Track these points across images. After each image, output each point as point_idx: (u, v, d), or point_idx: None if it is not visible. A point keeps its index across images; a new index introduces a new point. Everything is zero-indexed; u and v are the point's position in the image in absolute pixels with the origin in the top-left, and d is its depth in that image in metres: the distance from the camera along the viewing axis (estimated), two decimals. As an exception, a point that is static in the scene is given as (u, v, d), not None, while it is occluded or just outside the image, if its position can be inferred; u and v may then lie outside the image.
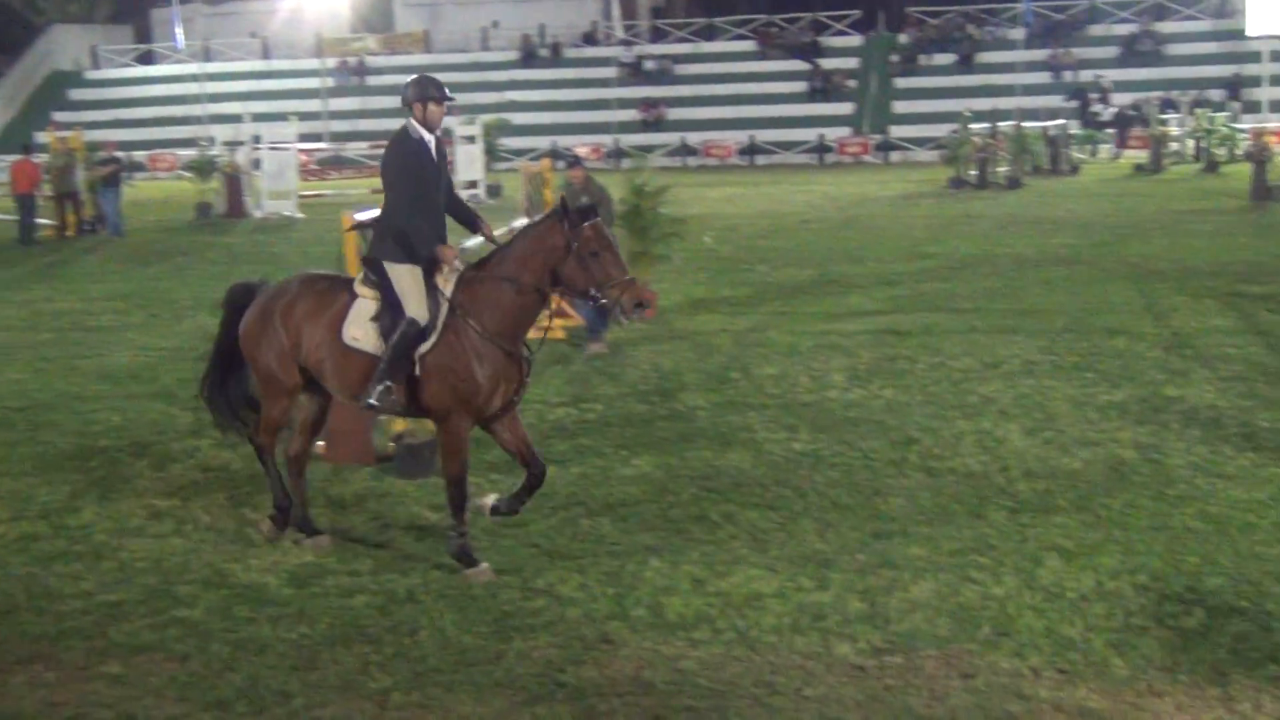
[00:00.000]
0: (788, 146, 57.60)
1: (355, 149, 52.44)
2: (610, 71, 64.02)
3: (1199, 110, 49.11)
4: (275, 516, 9.79)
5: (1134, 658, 7.46)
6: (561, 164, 17.32)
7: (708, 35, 67.53)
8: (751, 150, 57.89)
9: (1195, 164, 46.66)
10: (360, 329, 9.06)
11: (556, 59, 67.29)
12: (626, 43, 67.76)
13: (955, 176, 41.57)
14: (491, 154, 43.19)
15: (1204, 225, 29.01)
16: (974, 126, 42.77)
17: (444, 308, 8.89)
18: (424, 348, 8.87)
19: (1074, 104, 56.08)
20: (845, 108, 60.51)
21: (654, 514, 10.10)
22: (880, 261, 24.67)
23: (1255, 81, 54.18)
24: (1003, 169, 42.42)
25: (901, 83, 61.75)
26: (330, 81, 66.02)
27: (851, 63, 63.43)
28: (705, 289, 21.45)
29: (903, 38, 64.32)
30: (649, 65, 65.23)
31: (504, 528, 9.85)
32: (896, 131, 58.01)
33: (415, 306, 8.87)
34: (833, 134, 58.03)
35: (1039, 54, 61.01)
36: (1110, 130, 53.65)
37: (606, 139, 58.62)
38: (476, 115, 44.54)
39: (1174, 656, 7.43)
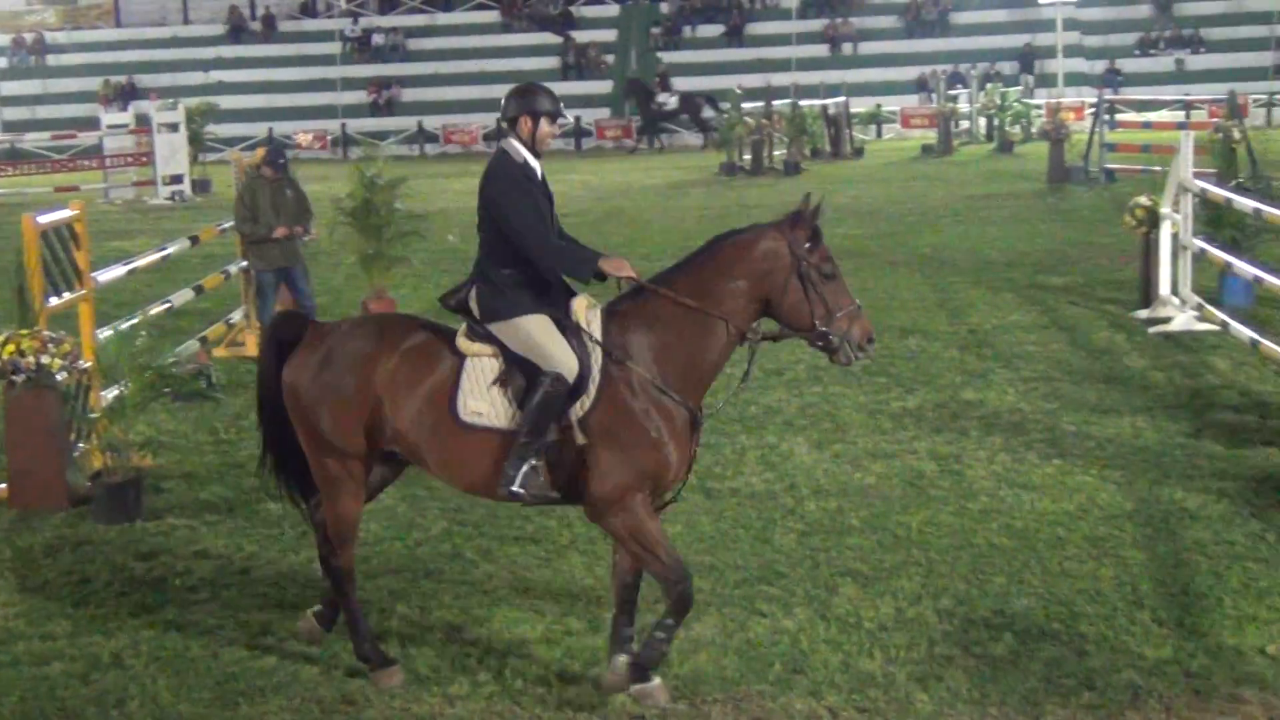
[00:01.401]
0: (539, 131, 57.82)
1: (35, 140, 50.88)
2: (333, 47, 63.29)
3: (990, 85, 50.74)
4: (377, 663, 8.12)
5: (939, 691, 7.66)
6: (281, 160, 17.06)
7: (444, 6, 67.29)
8: (499, 136, 57.87)
9: (987, 144, 48.18)
10: (482, 400, 7.73)
11: (270, 33, 66.29)
12: (351, 14, 67.13)
13: (727, 161, 42.13)
14: (197, 143, 42.34)
15: (999, 211, 29.98)
16: (746, 106, 43.43)
17: (596, 353, 7.67)
18: (578, 410, 7.63)
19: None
20: (603, 86, 60.92)
21: (399, 553, 10.02)
22: (648, 259, 24.78)
23: (1049, 53, 56.13)
24: (780, 152, 43.17)
25: (665, 57, 62.39)
26: (2, 62, 63.98)
27: (608, 35, 63.89)
28: (450, 294, 21.33)
29: (664, 7, 65.04)
30: (378, 40, 64.73)
31: (225, 575, 9.67)
32: (663, 112, 58.64)
33: (559, 355, 7.60)
34: (590, 116, 58.35)
35: (814, 25, 62.30)
36: (669, 124, 54.50)
37: (332, 124, 57.96)
38: (179, 99, 43.62)
39: (982, 687, 7.66)
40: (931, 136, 48.14)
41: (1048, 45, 56.14)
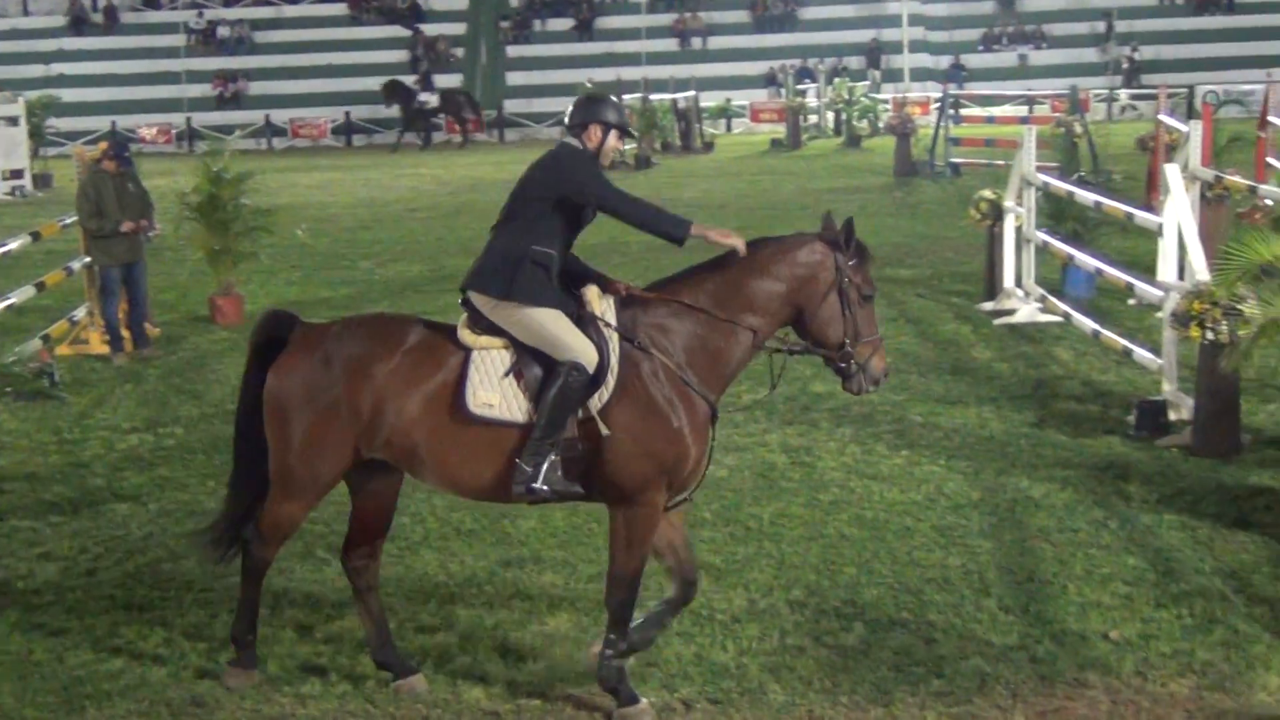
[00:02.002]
0: (389, 125, 57.34)
1: None
2: (177, 39, 62.40)
3: (838, 80, 51.27)
4: (241, 657, 8.00)
5: (791, 681, 7.74)
6: (125, 153, 16.80)
7: (291, -2, 66.66)
8: (347, 129, 57.43)
9: (836, 138, 48.63)
10: (493, 392, 7.44)
11: (112, 25, 65.15)
12: (196, 6, 66.17)
13: (577, 156, 42.10)
14: (38, 138, 41.54)
15: (847, 205, 30.22)
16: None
17: (614, 341, 7.48)
18: (597, 401, 7.40)
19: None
20: (452, 80, 60.66)
21: (249, 553, 9.90)
22: (499, 253, 24.82)
23: (895, 48, 56.82)
24: (630, 146, 43.26)
25: (514, 51, 62.30)
26: None
27: (458, 29, 63.62)
28: (299, 289, 21.17)
29: (514, 1, 64.91)
30: (223, 32, 63.91)
31: (70, 578, 9.50)
32: (511, 106, 58.48)
33: (576, 345, 7.37)
34: (440, 110, 58.09)
35: (664, 19, 62.53)
36: (440, 117, 54.60)
37: (177, 118, 57.14)
38: (18, 93, 42.71)
39: (834, 677, 7.74)
40: (780, 131, 48.49)
41: (894, 41, 56.81)
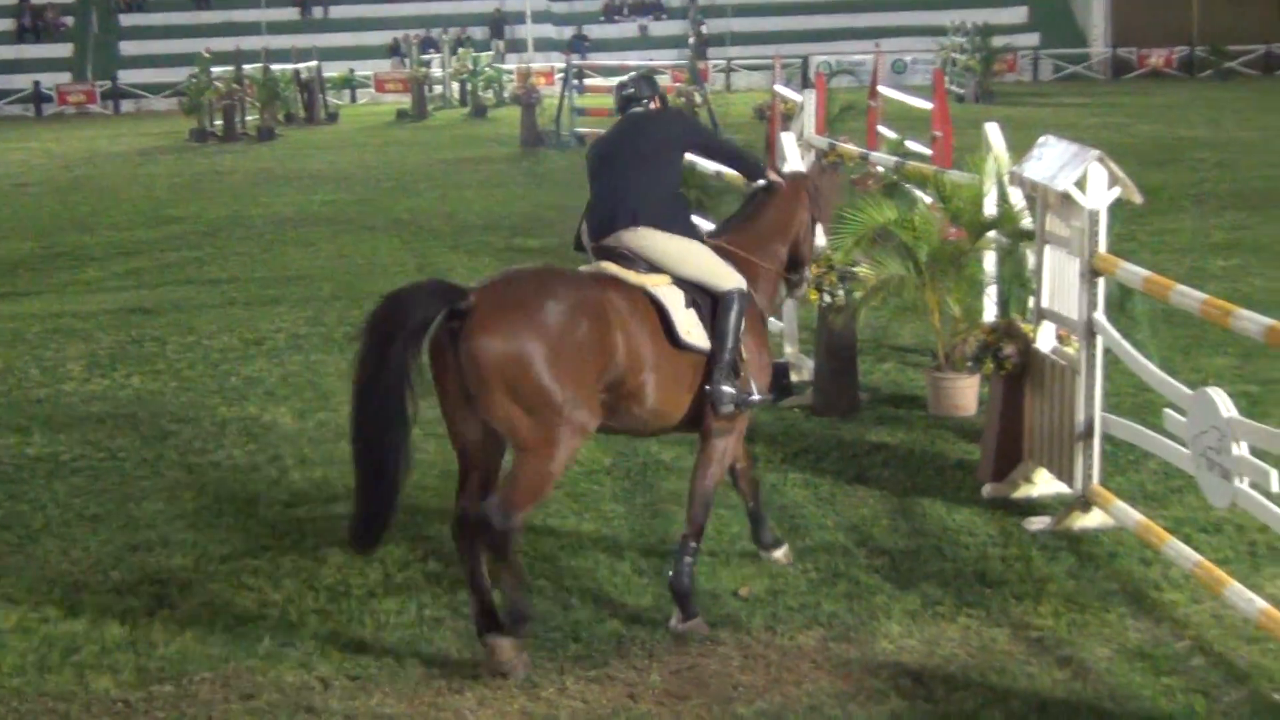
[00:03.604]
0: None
1: None
2: None
3: (461, 50, 51.21)
4: (517, 627, 7.57)
5: (430, 654, 7.72)
6: None
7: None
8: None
9: (462, 109, 48.62)
10: (689, 322, 7.97)
11: None
12: None
13: (198, 128, 41.16)
14: None
15: (475, 175, 30.32)
16: (216, 70, 42.49)
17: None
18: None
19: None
20: (63, 49, 58.39)
21: None
22: (117, 229, 24.09)
23: (519, 18, 57.03)
24: (252, 118, 42.46)
25: (128, 20, 60.32)
26: None
27: (67, -4, 61.34)
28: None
29: (127, -33, 62.87)
30: None
31: None
32: (126, 77, 56.62)
33: (733, 274, 8.24)
34: (50, 80, 55.86)
35: (284, -13, 61.43)
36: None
37: None
38: None
39: (472, 647, 7.72)
40: (406, 101, 48.22)
41: (517, 11, 57.01)
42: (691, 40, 56.05)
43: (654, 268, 8.03)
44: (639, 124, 8.46)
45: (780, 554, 8.81)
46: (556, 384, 7.31)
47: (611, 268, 8.00)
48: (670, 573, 8.05)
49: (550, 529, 9.45)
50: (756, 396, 8.23)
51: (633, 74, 8.96)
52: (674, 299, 7.94)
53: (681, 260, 8.08)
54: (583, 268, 8.18)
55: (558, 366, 7.32)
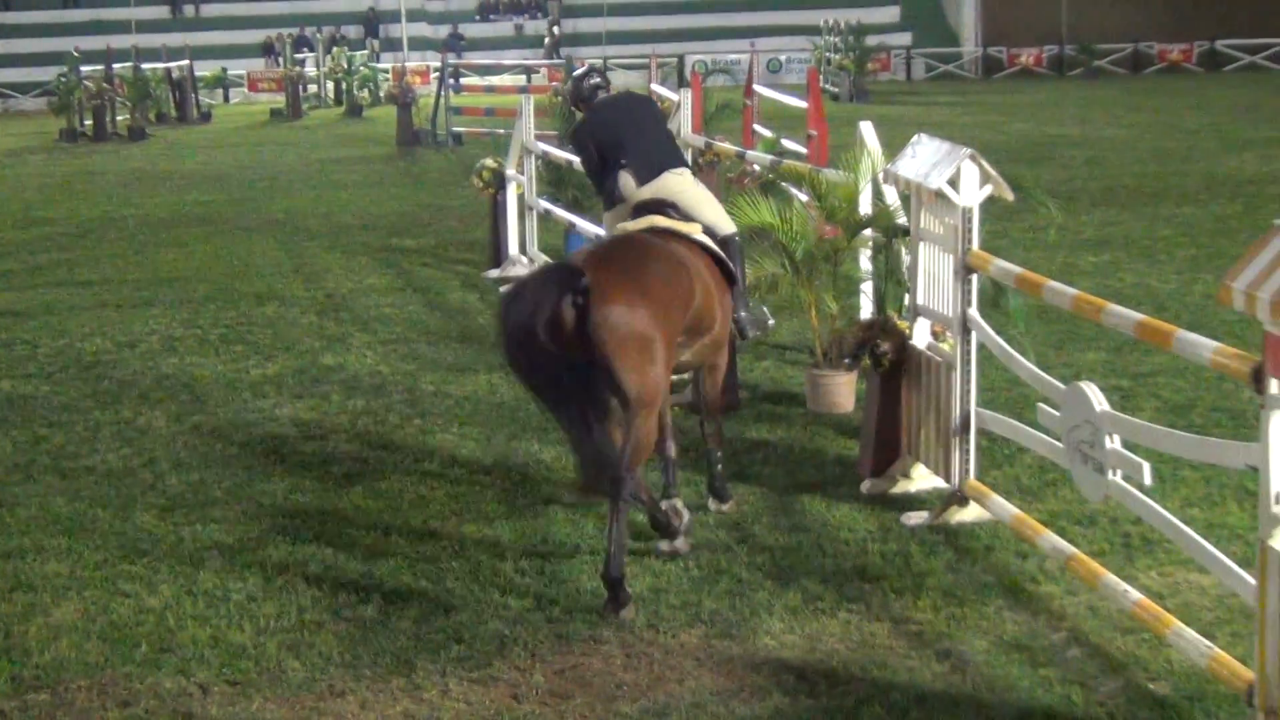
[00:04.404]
0: None
1: None
2: None
3: (336, 49, 50.87)
4: (619, 597, 8.14)
5: (311, 658, 7.65)
6: None
7: None
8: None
9: (337, 108, 48.30)
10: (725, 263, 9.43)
11: None
12: None
13: (68, 128, 40.58)
14: None
15: (351, 175, 30.14)
16: (85, 69, 41.89)
17: None
18: None
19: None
20: (-74, 47, 57.41)
21: None
22: (-17, 231, 23.68)
23: (393, 17, 56.74)
24: (123, 118, 41.92)
25: (-6, 18, 59.36)
26: None
27: (-72, -7, 60.19)
28: None
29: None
30: None
31: None
32: (-10, 77, 55.78)
33: (729, 219, 10.08)
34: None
35: (157, -15, 60.64)
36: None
37: None
38: None
39: (354, 650, 7.70)
40: (280, 101, 47.82)
41: (391, 9, 56.78)
42: (546, 40, 56.03)
43: (685, 215, 9.43)
44: (627, 102, 10.35)
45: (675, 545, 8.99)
46: (668, 340, 8.31)
47: (662, 221, 9.26)
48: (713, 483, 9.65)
49: (431, 531, 9.40)
50: (771, 321, 10.39)
51: (588, 67, 10.74)
52: (711, 243, 9.34)
53: (703, 203, 9.70)
54: (629, 224, 9.41)
55: (668, 324, 8.30)
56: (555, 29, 57.81)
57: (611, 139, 9.79)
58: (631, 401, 8.07)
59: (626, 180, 9.64)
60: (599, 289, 7.94)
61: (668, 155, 9.84)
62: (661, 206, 9.42)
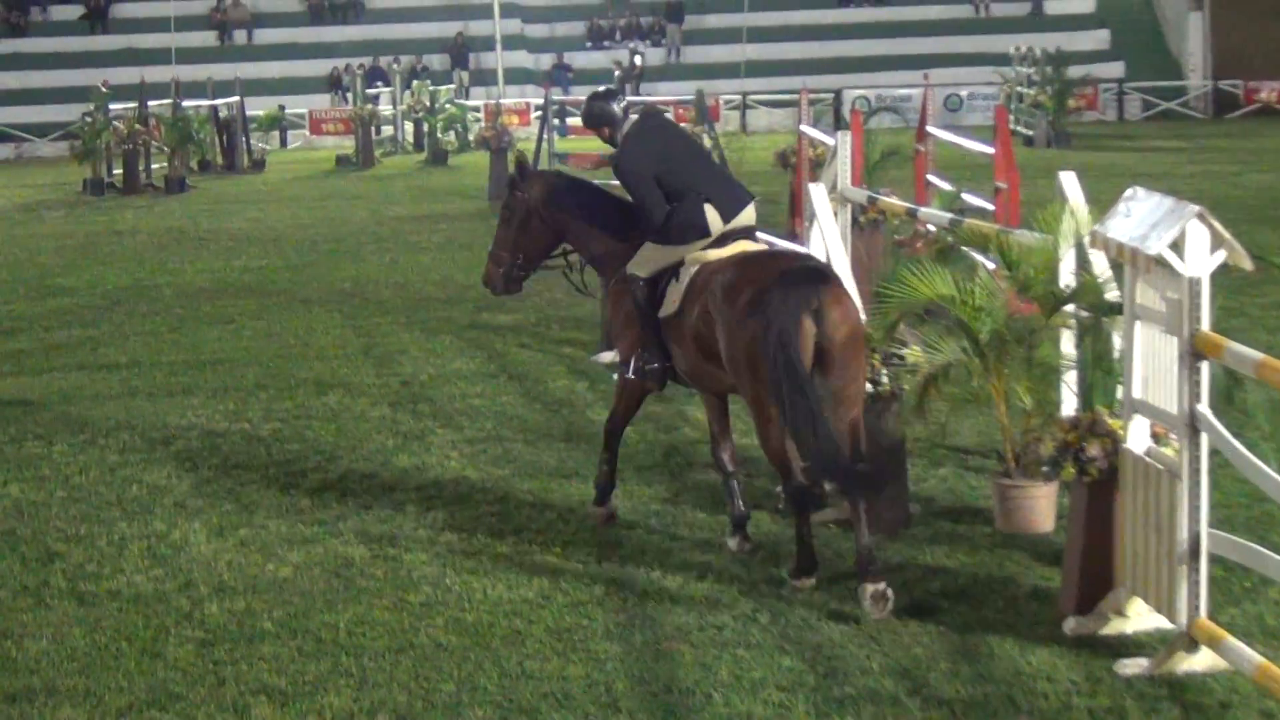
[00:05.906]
0: None
1: None
2: None
3: (416, 83, 51.39)
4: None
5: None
6: None
7: None
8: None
9: (417, 154, 48.75)
10: None
11: None
12: None
13: (93, 178, 41.20)
14: None
15: (433, 236, 30.39)
16: (115, 107, 42.58)
17: None
18: None
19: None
20: (-73, 81, 58.81)
21: None
22: (-9, 302, 24.12)
23: (486, 44, 57.32)
24: (160, 166, 42.54)
25: (4, 46, 60.66)
26: None
27: (-68, 18, 61.72)
28: None
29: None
30: None
31: None
32: (4, 115, 56.89)
33: None
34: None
35: (197, 7, 61.74)
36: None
37: None
38: None
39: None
40: (349, 145, 48.39)
41: (484, 35, 57.30)
42: (617, 74, 55.90)
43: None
44: (673, 129, 12.54)
45: (734, 544, 11.44)
46: None
47: (753, 246, 11.39)
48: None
49: (527, 673, 9.38)
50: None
51: (606, 88, 12.59)
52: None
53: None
54: (721, 252, 11.16)
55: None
56: (636, 57, 57.81)
57: (680, 170, 11.42)
58: (849, 396, 10.57)
59: (712, 214, 11.25)
60: (836, 293, 10.49)
61: (740, 186, 11.76)
62: (750, 233, 11.50)
